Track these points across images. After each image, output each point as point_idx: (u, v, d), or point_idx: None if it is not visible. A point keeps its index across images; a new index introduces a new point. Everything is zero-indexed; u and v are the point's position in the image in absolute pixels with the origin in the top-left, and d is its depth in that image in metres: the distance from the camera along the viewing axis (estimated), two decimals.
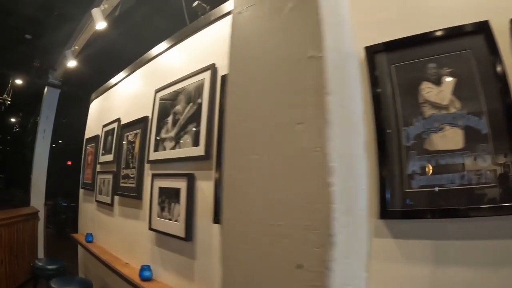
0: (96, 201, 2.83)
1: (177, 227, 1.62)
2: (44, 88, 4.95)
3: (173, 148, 1.78)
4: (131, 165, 2.21)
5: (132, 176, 2.17)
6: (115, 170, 2.50)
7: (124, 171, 2.29)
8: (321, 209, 0.54)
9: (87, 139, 3.37)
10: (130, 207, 2.20)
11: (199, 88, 1.66)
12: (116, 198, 2.43)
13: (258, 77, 0.71)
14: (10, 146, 8.85)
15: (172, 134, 1.82)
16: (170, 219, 1.69)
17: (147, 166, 2.05)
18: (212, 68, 1.59)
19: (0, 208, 4.15)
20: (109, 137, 2.72)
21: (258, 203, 0.64)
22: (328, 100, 0.57)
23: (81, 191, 3.41)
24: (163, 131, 1.90)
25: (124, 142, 2.38)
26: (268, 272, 0.60)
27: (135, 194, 2.06)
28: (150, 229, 1.84)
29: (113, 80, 3.01)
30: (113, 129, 2.65)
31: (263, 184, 0.65)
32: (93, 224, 2.91)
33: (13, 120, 7.76)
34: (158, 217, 1.79)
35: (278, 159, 0.63)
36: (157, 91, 2.04)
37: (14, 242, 3.61)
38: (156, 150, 1.93)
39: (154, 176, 1.89)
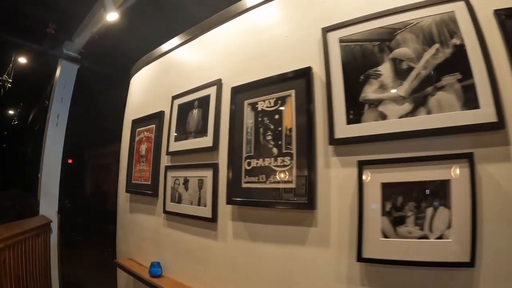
0: (166, 212, 1.83)
1: (443, 248, 0.88)
2: (56, 64, 3.89)
3: (410, 113, 0.94)
4: (274, 151, 1.23)
5: (282, 169, 1.18)
6: (218, 162, 1.52)
7: (254, 162, 1.31)
8: None
9: (135, 120, 2.36)
10: (273, 223, 1.21)
11: (447, 23, 1.00)
12: (226, 208, 1.44)
13: None
14: (7, 143, 7.54)
15: (400, 91, 0.97)
16: (423, 237, 0.89)
17: (326, 149, 1.08)
18: None
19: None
20: (194, 111, 1.73)
21: None
22: None
23: (125, 196, 2.39)
24: (370, 88, 1.02)
25: (245, 115, 1.40)
26: None
27: (305, 201, 1.08)
28: (361, 259, 0.92)
29: (176, 40, 2.05)
30: (206, 97, 1.66)
31: None
32: (160, 247, 1.89)
33: (11, 112, 6.50)
34: (386, 236, 0.92)
35: None
36: (329, 30, 1.16)
37: (23, 268, 2.53)
38: (355, 120, 1.00)
39: (363, 165, 0.94)
